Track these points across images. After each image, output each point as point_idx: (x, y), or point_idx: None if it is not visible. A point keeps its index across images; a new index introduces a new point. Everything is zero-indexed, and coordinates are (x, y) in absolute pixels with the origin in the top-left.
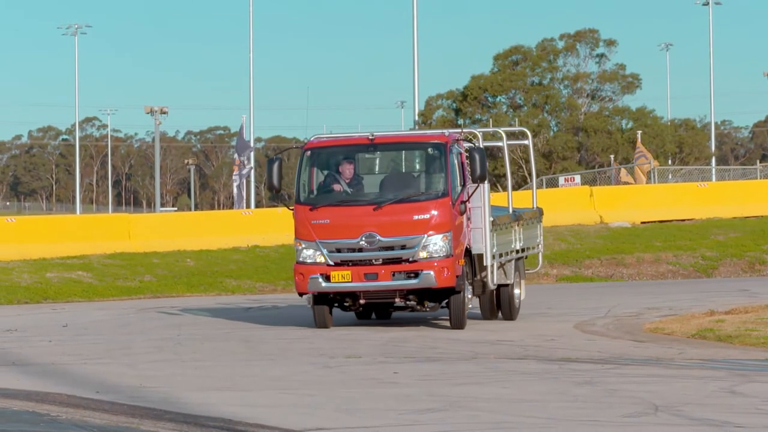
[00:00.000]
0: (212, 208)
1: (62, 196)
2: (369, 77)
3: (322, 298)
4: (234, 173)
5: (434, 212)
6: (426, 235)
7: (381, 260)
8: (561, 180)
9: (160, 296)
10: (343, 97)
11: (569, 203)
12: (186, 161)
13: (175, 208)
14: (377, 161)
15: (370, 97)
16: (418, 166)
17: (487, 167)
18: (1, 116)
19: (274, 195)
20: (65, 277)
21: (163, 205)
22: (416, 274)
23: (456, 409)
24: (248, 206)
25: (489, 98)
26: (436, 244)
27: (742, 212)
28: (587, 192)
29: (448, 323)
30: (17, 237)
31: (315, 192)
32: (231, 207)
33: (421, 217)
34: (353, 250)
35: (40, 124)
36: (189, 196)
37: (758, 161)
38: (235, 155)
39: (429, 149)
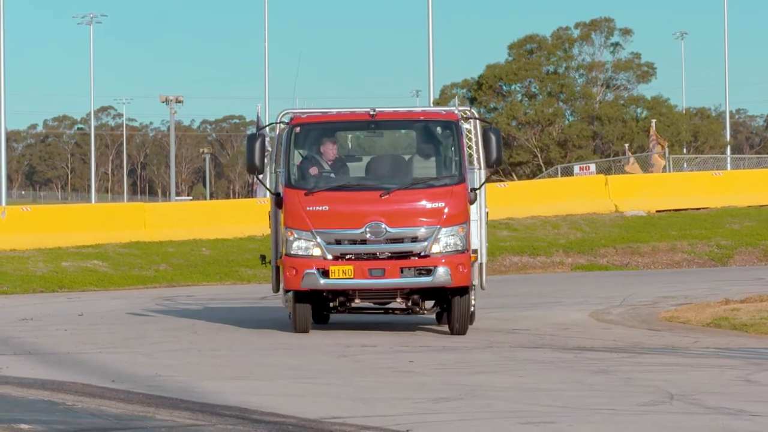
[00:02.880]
0: (227, 197)
1: (77, 185)
2: (384, 66)
3: (306, 297)
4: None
5: (449, 200)
6: (440, 227)
7: (387, 254)
8: (576, 169)
9: (175, 285)
10: (358, 87)
11: (584, 192)
12: (201, 150)
13: (191, 197)
14: (379, 140)
15: (385, 87)
16: (426, 147)
17: (503, 150)
18: (16, 106)
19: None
20: (80, 267)
21: (178, 194)
22: (428, 271)
23: (472, 398)
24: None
25: (504, 87)
26: (451, 236)
27: (757, 201)
28: (602, 181)
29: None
30: (33, 226)
31: (308, 174)
32: (247, 196)
33: (435, 205)
34: (355, 242)
35: (55, 113)
36: (204, 185)
37: None
38: None
39: (439, 127)
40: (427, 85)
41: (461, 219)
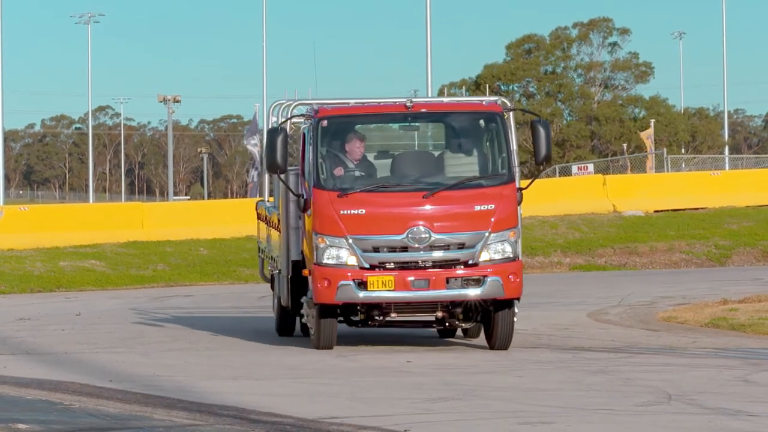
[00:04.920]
0: (225, 196)
1: (75, 184)
2: (382, 66)
3: (332, 310)
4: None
5: (499, 202)
6: (489, 231)
7: (430, 263)
8: (574, 168)
9: (173, 285)
10: (355, 86)
11: (582, 192)
12: (199, 150)
13: (188, 197)
14: (412, 134)
15: (383, 86)
16: (467, 142)
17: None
18: (14, 105)
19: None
20: (78, 266)
21: (176, 193)
22: (477, 282)
23: (470, 398)
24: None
25: (502, 87)
26: (501, 243)
27: (755, 201)
28: (600, 180)
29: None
30: (30, 226)
31: (340, 174)
32: (244, 196)
33: (484, 207)
34: (395, 249)
35: (53, 112)
36: (202, 184)
37: None
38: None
39: (482, 120)
40: (425, 84)
41: (511, 223)
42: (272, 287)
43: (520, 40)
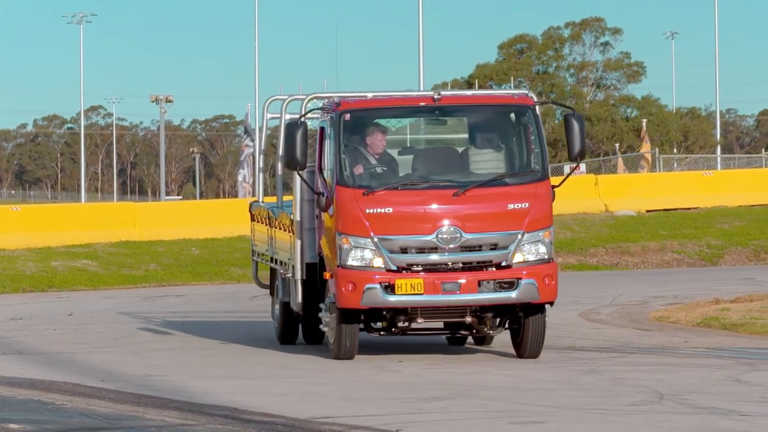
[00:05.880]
0: (217, 196)
1: (67, 184)
2: (373, 65)
3: (354, 316)
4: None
5: (534, 200)
6: (523, 231)
7: (461, 265)
8: (566, 168)
9: (165, 285)
10: (346, 84)
11: (574, 192)
12: (191, 150)
13: (180, 197)
14: (438, 129)
15: (375, 85)
16: (497, 137)
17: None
18: (6, 105)
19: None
20: (70, 266)
21: (168, 193)
22: (511, 284)
23: (462, 398)
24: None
25: (494, 87)
26: (536, 243)
27: (747, 201)
28: (592, 180)
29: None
30: (22, 226)
31: (365, 170)
32: (236, 195)
33: (518, 206)
34: (423, 251)
35: (45, 112)
36: (194, 184)
37: (763, 150)
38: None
39: (514, 114)
40: (417, 84)
41: (546, 222)
42: (271, 293)
43: (512, 39)
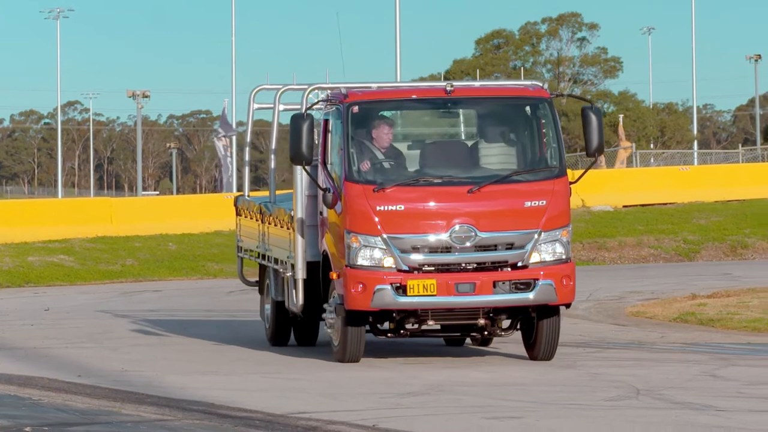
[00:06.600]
0: (194, 192)
1: (44, 180)
2: (349, 60)
3: (362, 318)
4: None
5: (551, 197)
6: (540, 230)
7: (474, 265)
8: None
9: (142, 280)
10: (321, 79)
11: None
12: (168, 145)
13: (157, 192)
14: (447, 122)
15: (352, 80)
16: (515, 131)
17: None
18: None
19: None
20: (47, 261)
21: (145, 188)
22: (527, 285)
23: (438, 393)
24: (229, 190)
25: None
26: (553, 242)
27: (724, 196)
28: (569, 175)
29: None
30: None
31: (375, 166)
32: (213, 191)
33: (535, 203)
34: (436, 250)
35: (22, 108)
36: (171, 179)
37: (740, 145)
38: (223, 137)
39: (529, 106)
40: (394, 79)
41: (564, 221)
42: (260, 291)
43: (489, 35)
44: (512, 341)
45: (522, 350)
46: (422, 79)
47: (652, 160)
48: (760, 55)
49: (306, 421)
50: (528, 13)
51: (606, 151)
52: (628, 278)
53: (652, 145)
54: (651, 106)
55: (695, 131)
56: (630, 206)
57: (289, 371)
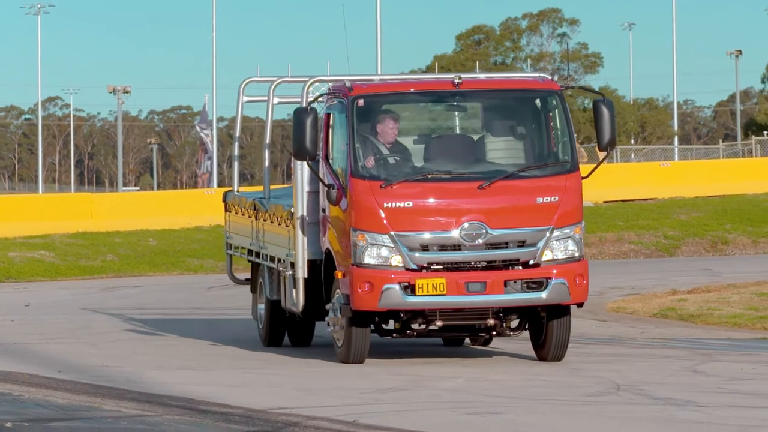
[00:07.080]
0: (175, 187)
1: (25, 175)
2: (329, 55)
3: (367, 318)
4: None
5: (564, 193)
6: (552, 227)
7: (485, 263)
8: None
9: (122, 276)
10: (301, 73)
11: None
12: (148, 140)
13: (138, 188)
14: (459, 115)
15: (340, 74)
16: (525, 125)
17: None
18: None
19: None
20: (28, 257)
21: (125, 184)
22: (539, 284)
23: (418, 389)
24: (210, 185)
25: None
26: (566, 239)
27: (704, 192)
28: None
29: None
30: None
31: (381, 161)
32: (194, 186)
33: (547, 200)
34: (446, 248)
35: (2, 103)
36: (152, 175)
37: (721, 141)
38: (202, 133)
39: (539, 99)
40: (375, 74)
41: (577, 217)
42: (253, 290)
43: (469, 30)
44: (495, 337)
45: (504, 346)
46: (413, 73)
47: (632, 156)
48: (740, 51)
49: (286, 416)
50: (509, 8)
51: (586, 147)
52: (608, 274)
53: (632, 141)
54: (632, 102)
55: (676, 127)
56: (610, 202)
57: (269, 367)
